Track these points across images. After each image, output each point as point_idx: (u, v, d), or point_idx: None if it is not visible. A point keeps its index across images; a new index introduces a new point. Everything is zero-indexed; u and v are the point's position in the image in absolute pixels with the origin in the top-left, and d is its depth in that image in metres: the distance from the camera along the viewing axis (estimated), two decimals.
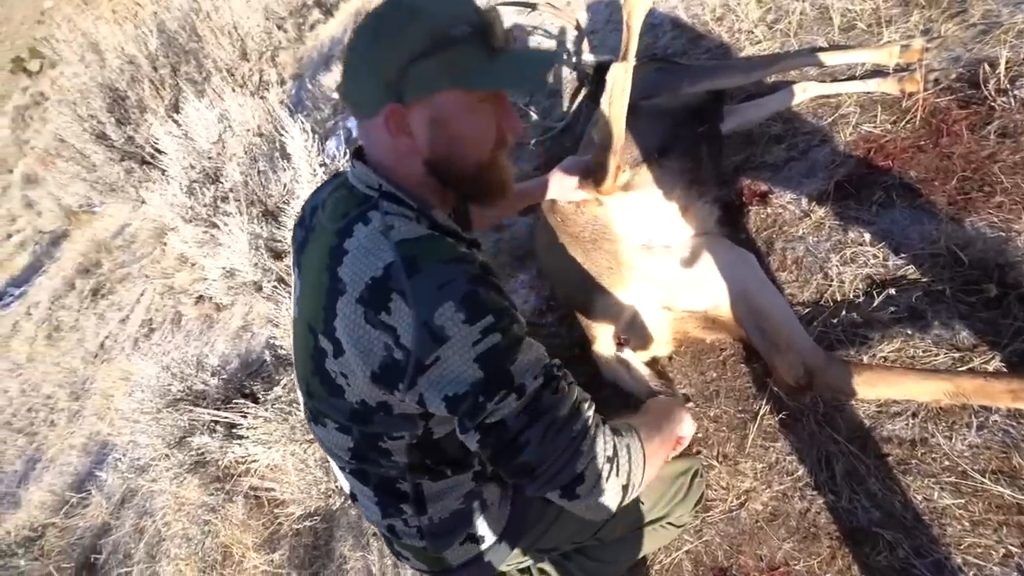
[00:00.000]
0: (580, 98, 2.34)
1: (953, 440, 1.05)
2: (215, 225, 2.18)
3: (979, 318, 1.14)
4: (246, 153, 2.26)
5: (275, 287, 2.08)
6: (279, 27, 4.34)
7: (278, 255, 2.12)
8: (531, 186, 1.32)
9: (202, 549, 1.83)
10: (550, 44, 2.90)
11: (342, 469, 0.89)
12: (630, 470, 0.74)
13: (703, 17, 2.36)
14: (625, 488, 0.73)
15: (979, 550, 0.96)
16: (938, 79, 1.50)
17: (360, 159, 0.78)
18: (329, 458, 0.94)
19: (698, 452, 1.27)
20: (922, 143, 1.43)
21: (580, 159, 1.32)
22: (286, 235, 2.08)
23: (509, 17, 3.34)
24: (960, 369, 1.08)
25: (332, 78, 3.93)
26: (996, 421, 1.04)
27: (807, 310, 1.32)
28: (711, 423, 1.30)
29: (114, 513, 2.43)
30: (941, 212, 1.29)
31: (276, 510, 1.78)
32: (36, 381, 4.14)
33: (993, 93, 1.38)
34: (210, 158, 2.31)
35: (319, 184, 0.94)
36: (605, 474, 0.71)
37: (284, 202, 2.17)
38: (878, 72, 1.62)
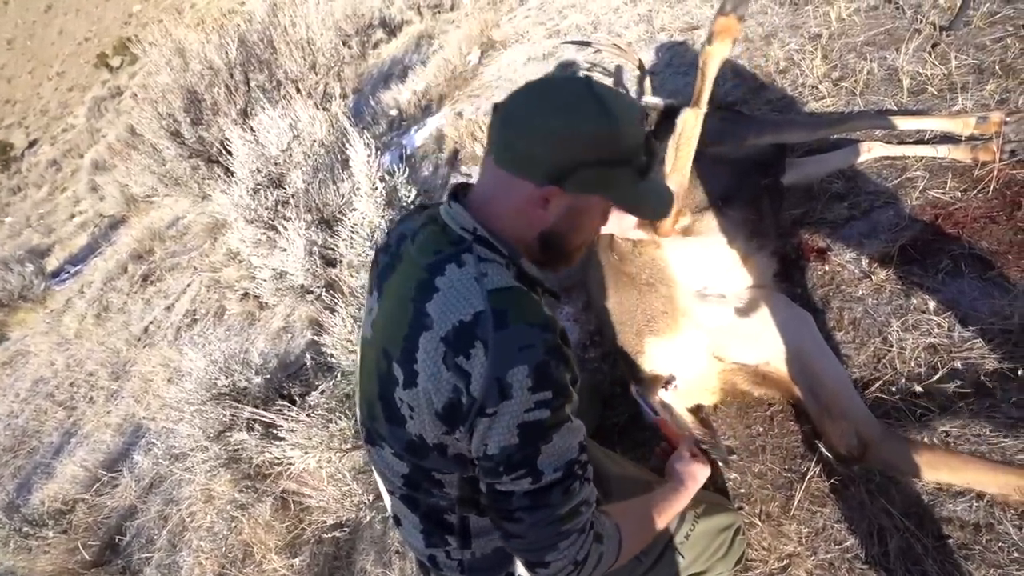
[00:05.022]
0: None
1: (1023, 530, 1.00)
2: (274, 228, 2.27)
3: None
4: (309, 162, 2.36)
5: (323, 292, 2.15)
6: (345, 43, 4.55)
7: (330, 262, 2.19)
8: None
9: (225, 544, 1.85)
10: (608, 82, 2.96)
11: (391, 493, 0.90)
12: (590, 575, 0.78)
13: (766, 68, 2.37)
14: None
15: None
16: (1015, 151, 1.48)
17: (456, 199, 0.81)
18: (379, 479, 0.95)
19: (740, 508, 1.23)
20: (995, 214, 1.39)
21: None
22: (340, 244, 2.15)
23: (568, 52, 3.43)
24: None
25: (391, 95, 4.09)
26: None
27: (863, 374, 1.29)
28: (755, 479, 1.27)
29: (141, 497, 2.49)
30: (1015, 287, 1.25)
31: (302, 514, 1.79)
32: (81, 357, 4.31)
33: None
34: (277, 164, 2.42)
35: (405, 213, 0.98)
36: (567, 572, 0.75)
37: (341, 212, 2.24)
38: (949, 138, 1.60)
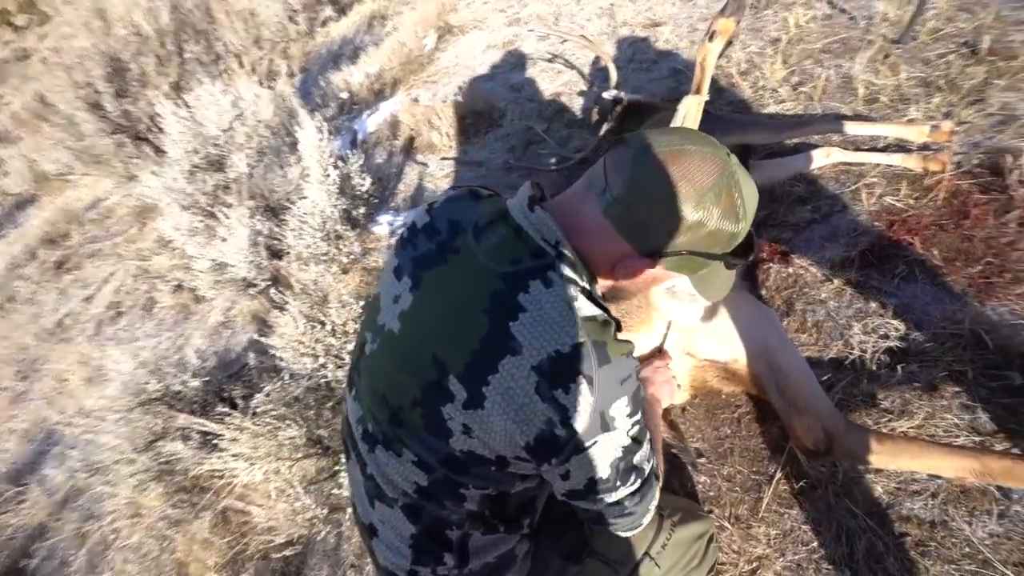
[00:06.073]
0: (603, 131, 2.34)
1: (974, 526, 1.05)
2: (213, 215, 2.07)
3: (1000, 404, 1.15)
4: (253, 143, 2.17)
5: (269, 286, 1.98)
6: (291, 19, 4.27)
7: (276, 254, 2.02)
8: None
9: (157, 565, 1.68)
10: (570, 75, 2.92)
11: (382, 501, 0.81)
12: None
13: (728, 69, 2.40)
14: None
15: None
16: (960, 162, 1.55)
17: (537, 205, 0.74)
18: (358, 485, 0.86)
19: (710, 511, 1.23)
20: (944, 223, 1.46)
21: None
22: (288, 235, 1.99)
23: (531, 43, 3.36)
24: (983, 448, 1.08)
25: (341, 77, 3.86)
26: (1018, 511, 1.04)
27: (826, 376, 1.32)
28: (724, 482, 1.27)
29: (54, 514, 2.23)
30: (963, 294, 1.31)
31: (244, 528, 1.65)
32: None
33: (1015, 183, 1.43)
34: (216, 145, 2.21)
35: (448, 193, 0.84)
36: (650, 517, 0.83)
37: (289, 200, 2.08)
38: (902, 148, 1.67)
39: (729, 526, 1.20)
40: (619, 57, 2.94)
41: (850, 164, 1.69)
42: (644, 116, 2.05)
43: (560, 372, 0.66)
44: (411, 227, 0.85)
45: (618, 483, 0.74)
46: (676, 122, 1.23)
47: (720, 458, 1.31)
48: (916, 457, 1.06)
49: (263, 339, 1.86)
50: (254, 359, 1.97)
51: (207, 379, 1.84)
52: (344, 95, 3.35)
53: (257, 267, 2.05)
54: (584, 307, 0.70)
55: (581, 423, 0.67)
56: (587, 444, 0.69)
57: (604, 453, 0.71)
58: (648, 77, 2.65)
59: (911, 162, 1.58)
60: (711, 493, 1.27)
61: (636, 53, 2.80)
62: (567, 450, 0.69)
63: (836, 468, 1.19)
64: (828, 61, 2.13)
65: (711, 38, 1.18)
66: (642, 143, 0.68)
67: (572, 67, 2.96)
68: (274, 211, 2.08)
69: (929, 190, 1.54)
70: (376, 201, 2.41)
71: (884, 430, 1.18)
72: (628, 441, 0.72)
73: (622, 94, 2.20)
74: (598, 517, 0.79)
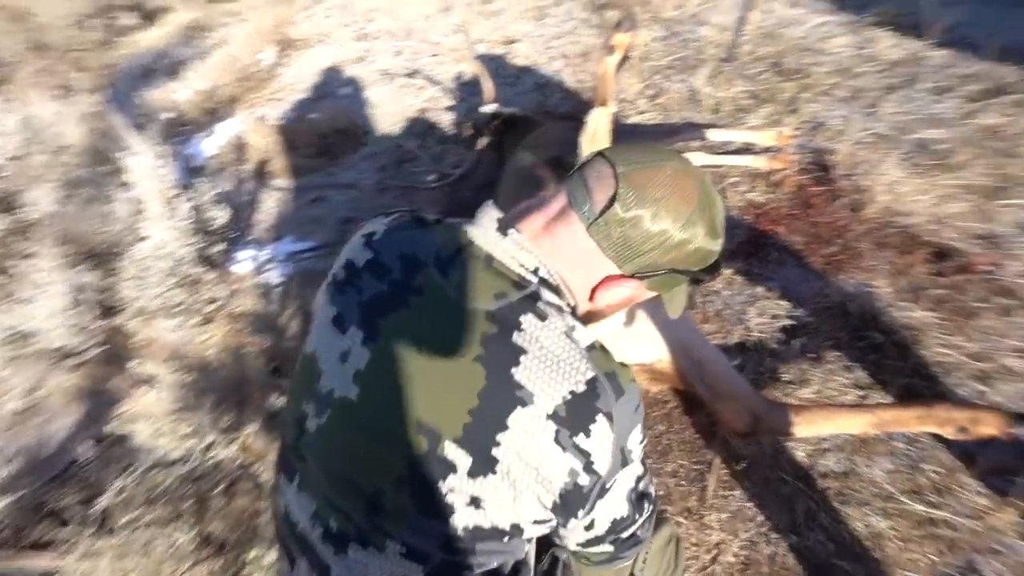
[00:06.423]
0: (481, 146, 2.32)
1: (873, 468, 1.21)
2: (3, 270, 1.56)
3: (870, 360, 1.35)
4: (56, 174, 1.68)
5: (103, 351, 1.56)
6: (80, 24, 3.53)
7: (110, 311, 1.60)
8: None
9: None
10: (433, 90, 2.86)
11: None
12: None
13: (589, 84, 2.56)
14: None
15: (912, 564, 1.09)
16: (799, 161, 1.83)
17: (509, 227, 0.66)
18: None
19: (664, 511, 1.25)
20: (796, 212, 1.70)
21: None
22: (124, 286, 1.59)
23: (386, 58, 3.22)
24: (874, 403, 1.26)
25: (162, 94, 3.31)
26: (900, 447, 1.23)
27: (736, 360, 1.43)
28: (670, 478, 1.31)
29: None
30: (824, 271, 1.53)
31: None
32: None
33: (839, 176, 1.72)
34: (3, 177, 1.67)
35: (389, 222, 0.72)
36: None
37: (122, 243, 1.66)
38: (748, 150, 1.92)
39: (684, 520, 1.23)
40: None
41: (715, 166, 1.89)
42: (522, 129, 2.08)
43: (579, 414, 0.59)
44: (348, 266, 0.71)
45: (636, 516, 0.69)
46: (586, 134, 1.25)
47: (661, 456, 1.35)
48: (828, 420, 1.19)
49: (106, 421, 1.45)
50: (89, 450, 1.54)
51: (18, 492, 1.38)
52: (169, 115, 2.86)
53: (81, 330, 1.61)
54: (583, 337, 0.63)
55: (604, 465, 0.60)
56: (609, 485, 0.63)
57: (623, 488, 0.66)
58: (514, 91, 2.71)
59: (760, 162, 1.82)
60: (661, 492, 1.29)
61: (498, 68, 2.84)
62: (592, 497, 0.62)
63: (761, 444, 1.29)
64: (674, 76, 2.38)
65: (610, 52, 1.22)
66: (625, 159, 0.65)
67: (435, 82, 2.91)
68: (101, 257, 1.65)
69: (778, 185, 1.79)
70: (235, 235, 2.08)
71: (792, 401, 1.32)
72: (641, 469, 0.68)
73: (500, 108, 2.20)
74: (610, 557, 0.73)
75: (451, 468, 0.59)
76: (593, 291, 0.68)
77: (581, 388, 0.59)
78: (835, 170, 1.76)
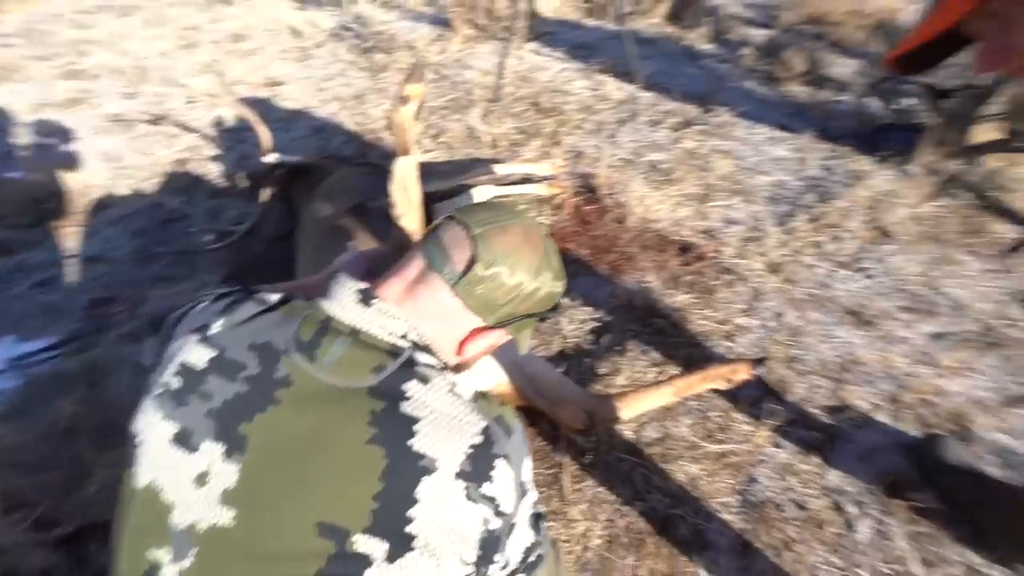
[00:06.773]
0: (264, 197, 2.14)
1: (680, 427, 1.50)
2: None
3: (658, 342, 1.67)
4: None
5: None
6: None
7: None
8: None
9: None
10: (189, 138, 2.51)
11: None
12: None
13: (369, 125, 2.57)
14: None
15: (720, 492, 1.38)
16: (572, 186, 2.15)
17: (371, 297, 0.68)
18: None
19: None
20: (577, 229, 2.00)
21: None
22: None
23: (112, 100, 2.70)
24: (668, 377, 1.56)
25: None
26: (693, 405, 1.54)
27: (561, 367, 1.61)
28: None
29: None
30: (611, 276, 1.83)
31: None
32: None
33: (603, 196, 2.08)
34: None
35: (226, 308, 0.68)
36: None
37: None
38: (529, 180, 2.18)
39: (553, 523, 1.34)
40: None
41: (503, 197, 2.09)
42: (313, 178, 1.98)
43: (481, 465, 0.62)
44: (183, 371, 0.61)
45: (538, 538, 0.74)
46: (395, 183, 1.26)
47: None
48: (642, 400, 1.43)
49: None
50: None
51: None
52: None
53: None
54: (465, 389, 0.67)
55: (509, 504, 0.64)
56: (514, 520, 0.66)
57: (525, 518, 0.70)
58: (289, 136, 2.56)
59: (542, 189, 2.09)
60: None
61: (267, 112, 2.65)
62: (503, 538, 0.64)
63: (598, 435, 1.48)
64: (451, 116, 2.56)
65: (404, 102, 1.26)
66: (476, 221, 0.71)
67: (190, 129, 2.56)
68: None
69: (560, 208, 2.07)
70: None
71: (613, 391, 1.55)
72: (536, 495, 0.74)
73: (283, 157, 2.05)
74: None
75: (366, 561, 0.55)
76: (461, 345, 0.73)
77: (479, 440, 0.62)
78: (599, 191, 2.12)
